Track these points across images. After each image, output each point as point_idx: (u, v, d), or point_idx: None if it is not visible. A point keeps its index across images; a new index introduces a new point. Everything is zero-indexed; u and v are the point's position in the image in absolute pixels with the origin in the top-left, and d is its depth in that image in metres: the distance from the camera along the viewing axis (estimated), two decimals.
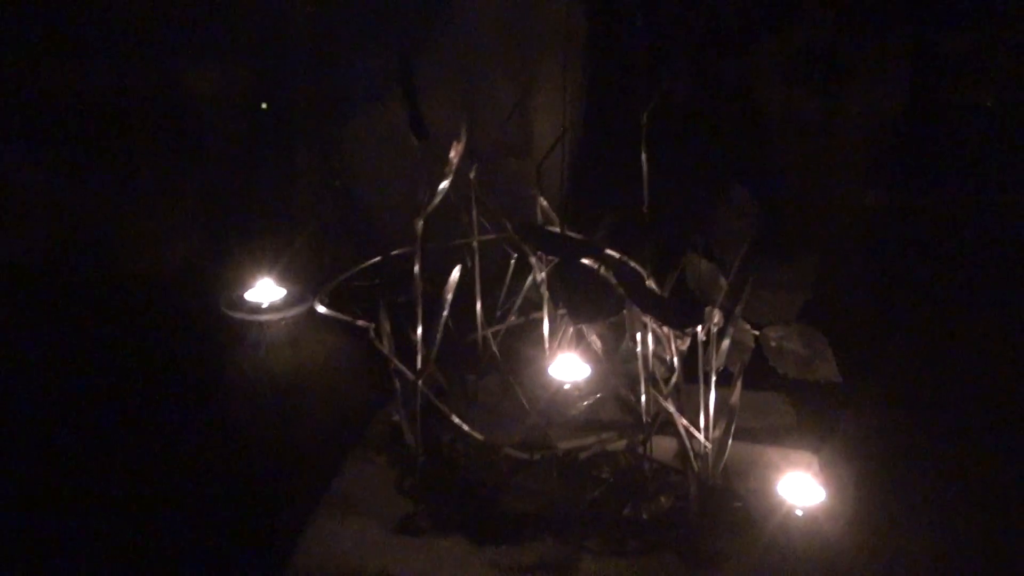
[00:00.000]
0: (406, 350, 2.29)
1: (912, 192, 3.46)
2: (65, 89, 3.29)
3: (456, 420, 2.32)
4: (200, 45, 3.28)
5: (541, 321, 2.42)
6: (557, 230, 2.32)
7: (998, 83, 3.32)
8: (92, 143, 3.31)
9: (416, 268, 2.19)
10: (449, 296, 2.29)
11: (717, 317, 2.18)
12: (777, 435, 2.44)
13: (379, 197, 3.39)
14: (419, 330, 2.24)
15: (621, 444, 2.36)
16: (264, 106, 3.38)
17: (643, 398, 2.24)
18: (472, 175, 2.36)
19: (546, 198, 2.44)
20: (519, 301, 2.48)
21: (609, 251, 2.24)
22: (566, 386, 2.40)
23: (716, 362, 2.15)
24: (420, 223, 2.19)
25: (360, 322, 2.25)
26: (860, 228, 3.49)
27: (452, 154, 2.19)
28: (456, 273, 2.32)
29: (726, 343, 2.19)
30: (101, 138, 3.32)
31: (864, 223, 3.48)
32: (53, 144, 3.31)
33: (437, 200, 2.20)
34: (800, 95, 3.33)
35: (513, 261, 2.46)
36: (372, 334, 2.24)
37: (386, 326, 2.29)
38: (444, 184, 2.22)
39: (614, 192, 2.38)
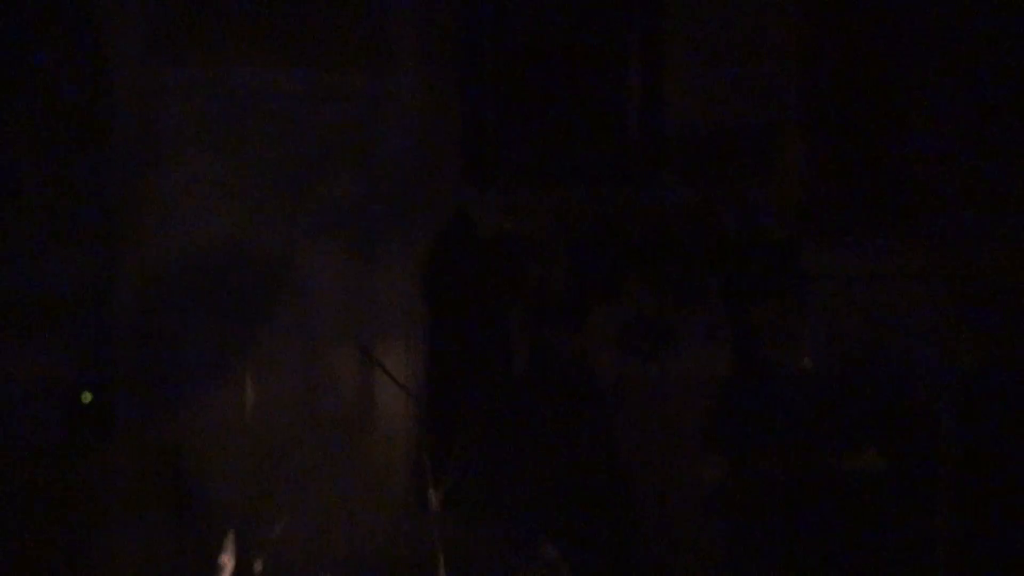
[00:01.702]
0: None
1: (750, 463, 3.52)
2: None
3: None
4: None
5: None
6: None
7: (814, 346, 3.51)
8: None
9: None
10: None
11: None
12: None
13: None
14: None
15: None
16: (87, 397, 3.20)
17: None
18: (258, 567, 2.28)
19: None
20: None
21: None
22: None
23: None
24: None
25: None
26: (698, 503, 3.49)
27: (225, 569, 2.11)
28: None
29: None
30: None
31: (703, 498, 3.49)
32: None
33: None
34: (632, 361, 3.43)
35: None
36: None
37: None
38: None
39: None
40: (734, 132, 3.53)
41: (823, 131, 3.56)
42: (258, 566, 2.31)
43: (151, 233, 3.26)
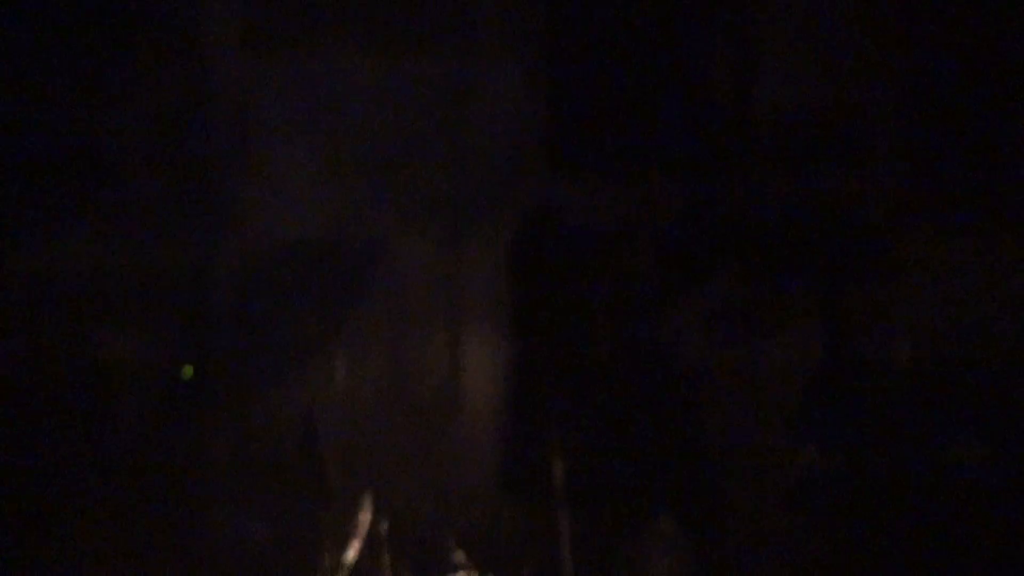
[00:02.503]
0: None
1: (843, 451, 3.47)
2: None
3: None
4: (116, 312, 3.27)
5: None
6: None
7: (912, 338, 3.43)
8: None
9: None
10: None
11: None
12: None
13: None
14: None
15: None
16: (187, 373, 3.32)
17: None
18: (384, 529, 2.31)
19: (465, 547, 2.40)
20: None
21: None
22: None
23: None
24: None
25: None
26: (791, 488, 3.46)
27: (360, 527, 2.14)
28: None
29: None
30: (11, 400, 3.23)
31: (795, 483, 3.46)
32: None
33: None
34: (719, 350, 3.40)
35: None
36: None
37: None
38: (351, 556, 2.16)
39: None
40: (828, 118, 3.45)
41: (921, 117, 3.46)
42: (384, 528, 2.36)
43: (248, 219, 3.35)
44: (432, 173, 3.40)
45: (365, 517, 2.18)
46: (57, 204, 3.33)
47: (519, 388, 3.38)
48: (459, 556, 2.39)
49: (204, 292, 3.35)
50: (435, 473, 3.32)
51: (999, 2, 3.39)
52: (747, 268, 3.46)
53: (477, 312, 3.39)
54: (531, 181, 3.41)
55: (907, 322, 3.45)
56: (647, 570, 2.35)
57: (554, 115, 3.40)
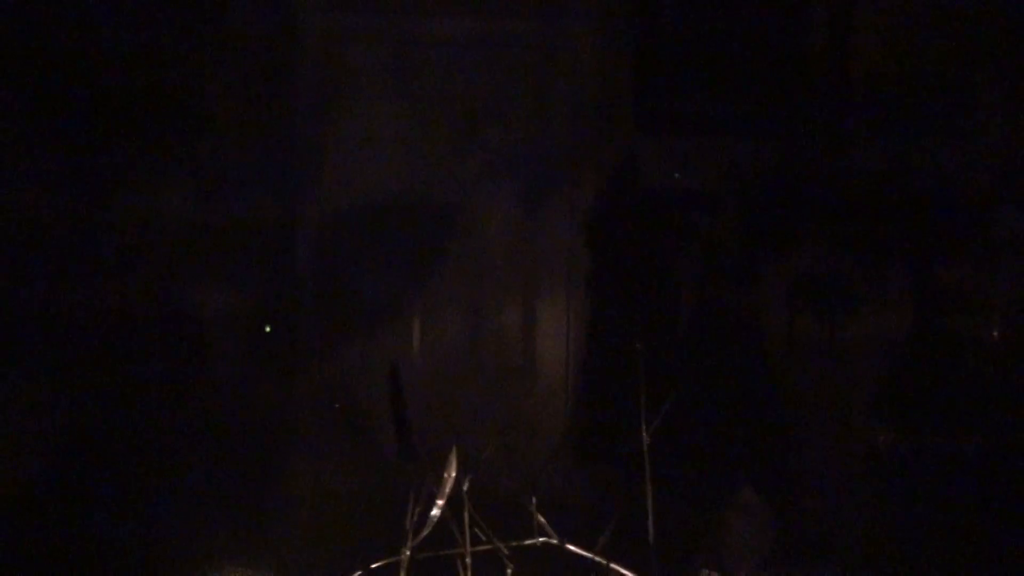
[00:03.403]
0: None
1: (925, 432, 3.37)
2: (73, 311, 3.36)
3: None
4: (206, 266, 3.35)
5: None
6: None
7: (1003, 316, 3.30)
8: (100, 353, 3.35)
9: None
10: None
11: None
12: None
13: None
14: None
15: None
16: (268, 329, 3.39)
17: None
18: (465, 487, 2.32)
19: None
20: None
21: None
22: None
23: None
24: (407, 553, 2.13)
25: None
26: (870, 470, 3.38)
27: (445, 483, 2.15)
28: None
29: None
30: (108, 356, 3.35)
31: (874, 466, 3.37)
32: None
33: (427, 531, 2.15)
34: (804, 321, 3.32)
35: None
36: None
37: None
38: (435, 512, 2.17)
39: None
40: (927, 86, 3.31)
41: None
42: (467, 483, 2.40)
43: (332, 175, 3.40)
44: (514, 133, 3.38)
45: (450, 474, 2.20)
46: (156, 157, 3.42)
47: (594, 352, 3.36)
48: (539, 520, 2.41)
49: (289, 247, 3.42)
50: (508, 435, 3.34)
51: None
52: (836, 238, 3.36)
53: (554, 273, 3.38)
54: (614, 142, 3.36)
55: (1000, 301, 3.31)
56: (728, 539, 2.33)
57: (639, 76, 3.33)
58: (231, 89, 3.43)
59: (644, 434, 2.11)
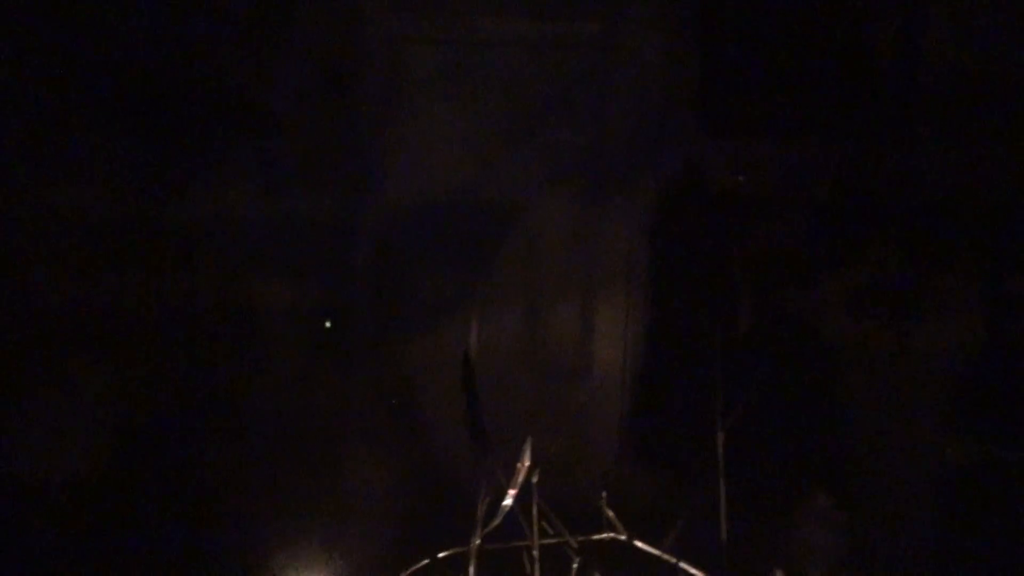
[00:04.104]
0: None
1: (995, 444, 3.26)
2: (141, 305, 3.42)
3: None
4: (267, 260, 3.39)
5: None
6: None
7: None
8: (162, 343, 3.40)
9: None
10: None
11: None
12: None
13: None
14: None
15: None
16: (328, 324, 3.41)
17: None
18: (535, 479, 2.31)
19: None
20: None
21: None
22: None
23: None
24: (476, 543, 2.12)
25: None
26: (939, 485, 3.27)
27: (518, 473, 2.14)
28: None
29: None
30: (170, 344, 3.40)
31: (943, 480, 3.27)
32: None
33: (497, 521, 2.15)
34: (868, 328, 3.24)
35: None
36: None
37: None
38: (507, 503, 2.16)
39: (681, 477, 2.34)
40: (1001, 86, 3.22)
41: None
42: (536, 476, 2.38)
43: (393, 174, 3.42)
44: (575, 134, 3.37)
45: (523, 465, 2.19)
46: (220, 155, 3.48)
47: (652, 355, 3.32)
48: (608, 515, 2.38)
49: (349, 244, 3.44)
50: (564, 435, 3.31)
51: None
52: (903, 244, 3.28)
53: (613, 275, 3.35)
54: (676, 143, 3.33)
55: None
56: (801, 542, 2.28)
57: (702, 75, 3.30)
58: (297, 90, 3.47)
59: (719, 431, 2.08)
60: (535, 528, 2.28)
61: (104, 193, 3.39)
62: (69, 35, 3.31)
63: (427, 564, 2.30)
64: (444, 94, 3.40)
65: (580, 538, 2.26)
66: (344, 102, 3.47)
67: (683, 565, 2.14)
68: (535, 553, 2.29)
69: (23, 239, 3.34)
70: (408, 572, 2.32)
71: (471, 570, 2.14)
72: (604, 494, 2.32)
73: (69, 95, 3.31)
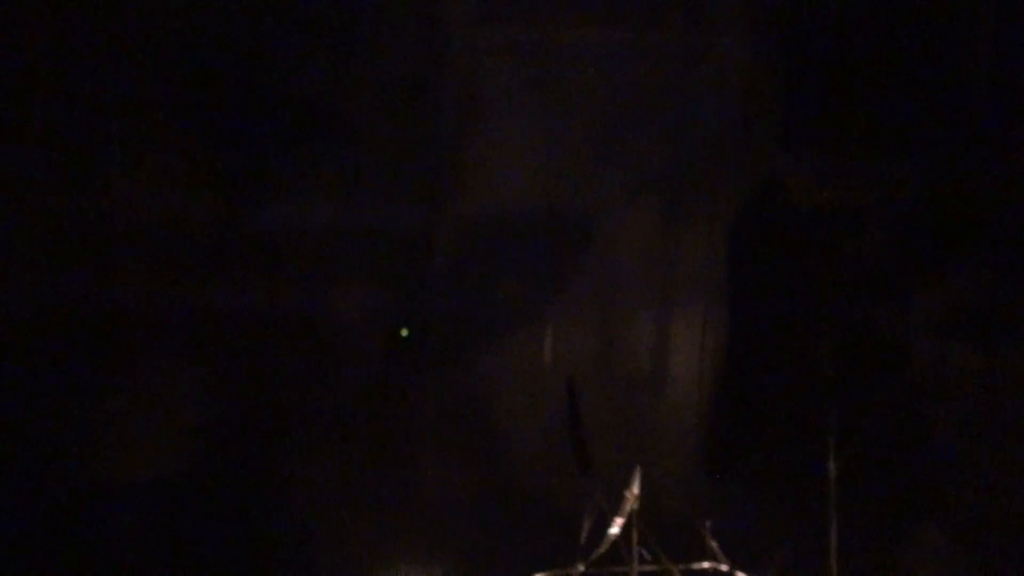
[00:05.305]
0: None
1: None
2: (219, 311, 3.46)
3: None
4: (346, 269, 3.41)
5: None
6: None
7: None
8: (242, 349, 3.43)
9: None
10: None
11: None
12: None
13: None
14: None
15: None
16: (404, 332, 3.42)
17: None
18: (635, 506, 2.27)
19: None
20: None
21: None
22: None
23: None
24: (580, 569, 2.10)
25: None
26: None
27: (627, 502, 2.12)
28: None
29: None
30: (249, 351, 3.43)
31: None
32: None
33: (603, 549, 2.13)
34: (957, 349, 3.14)
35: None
36: None
37: None
38: (614, 531, 2.14)
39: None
40: None
41: None
42: (632, 498, 2.36)
43: (471, 187, 3.41)
44: (654, 146, 3.33)
45: (632, 493, 2.17)
46: (301, 164, 3.51)
47: (729, 372, 3.26)
48: (710, 544, 2.35)
49: (425, 255, 3.45)
50: (635, 451, 3.26)
51: None
52: (991, 262, 3.17)
53: (690, 290, 3.30)
54: (756, 156, 3.27)
55: None
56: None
57: (784, 88, 3.24)
58: (378, 100, 3.49)
59: (831, 464, 2.03)
60: (635, 554, 2.25)
61: (187, 200, 3.44)
62: (156, 44, 3.38)
63: None
64: (524, 105, 3.39)
65: (681, 566, 2.22)
66: (425, 112, 3.48)
67: None
68: None
69: (113, 246, 3.40)
70: None
71: None
72: (708, 523, 2.27)
73: (156, 104, 3.37)
